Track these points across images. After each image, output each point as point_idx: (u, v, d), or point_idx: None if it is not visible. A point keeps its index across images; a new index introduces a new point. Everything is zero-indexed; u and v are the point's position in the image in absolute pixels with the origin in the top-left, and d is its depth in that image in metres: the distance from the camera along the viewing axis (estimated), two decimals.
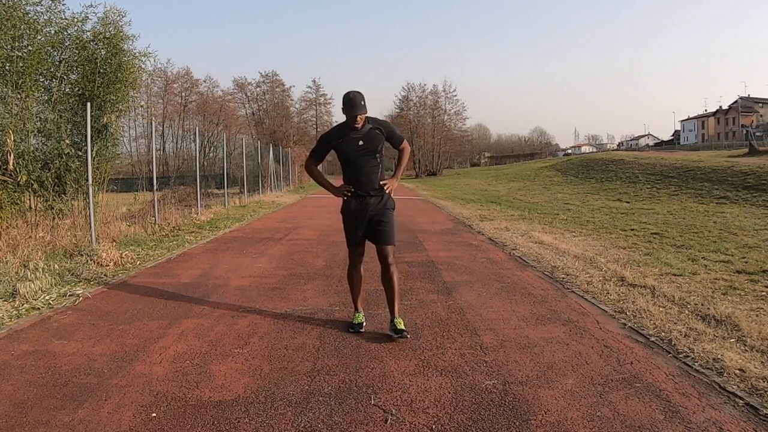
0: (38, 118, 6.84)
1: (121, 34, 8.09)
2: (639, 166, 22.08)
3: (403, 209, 5.03)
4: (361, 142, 3.19)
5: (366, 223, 3.29)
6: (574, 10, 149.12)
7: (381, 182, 3.28)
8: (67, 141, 6.86)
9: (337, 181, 3.41)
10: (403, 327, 3.22)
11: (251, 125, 52.58)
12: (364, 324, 3.40)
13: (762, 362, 2.73)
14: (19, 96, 6.54)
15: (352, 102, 3.10)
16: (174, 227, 8.63)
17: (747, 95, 64.09)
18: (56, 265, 4.99)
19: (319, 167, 3.50)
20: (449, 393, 2.44)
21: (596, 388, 2.47)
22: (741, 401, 2.32)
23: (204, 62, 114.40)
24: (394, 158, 3.62)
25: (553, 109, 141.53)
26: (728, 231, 8.18)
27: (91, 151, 6.60)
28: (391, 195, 3.38)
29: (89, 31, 7.87)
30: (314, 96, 60.65)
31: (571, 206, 14.14)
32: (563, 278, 4.78)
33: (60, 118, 7.14)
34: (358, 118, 3.13)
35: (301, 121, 59.54)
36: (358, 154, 3.21)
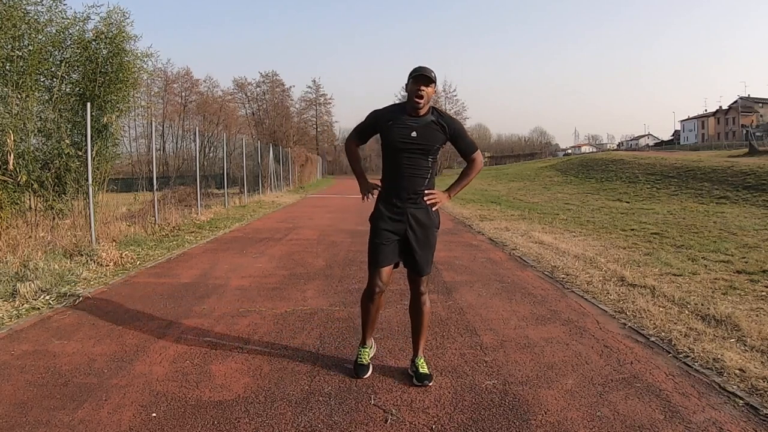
0: (38, 118, 6.84)
1: (124, 33, 8.08)
2: (639, 166, 22.08)
3: None
4: (414, 134, 2.49)
5: (400, 238, 2.59)
6: (574, 10, 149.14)
7: (426, 191, 2.59)
8: (68, 141, 6.85)
9: (374, 180, 2.78)
10: (426, 371, 2.61)
11: (251, 125, 52.62)
12: (371, 367, 2.71)
13: (762, 362, 2.73)
14: (19, 96, 6.53)
15: (421, 69, 2.45)
16: (174, 227, 8.63)
17: (747, 95, 64.16)
18: (56, 265, 4.99)
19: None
20: (449, 393, 2.44)
21: (596, 388, 2.47)
22: (741, 401, 2.32)
23: (204, 62, 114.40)
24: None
25: (553, 109, 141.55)
26: (728, 231, 8.18)
27: (91, 151, 6.59)
28: (438, 210, 2.70)
29: (91, 30, 7.86)
30: (314, 96, 60.79)
31: (571, 206, 14.14)
32: (563, 278, 4.78)
33: (60, 117, 7.14)
34: (423, 90, 2.45)
35: (301, 121, 59.63)
36: (406, 148, 2.51)
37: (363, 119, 2.71)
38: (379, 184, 2.67)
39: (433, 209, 2.65)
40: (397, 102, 2.60)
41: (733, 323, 3.33)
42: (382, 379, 2.61)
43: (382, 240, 2.58)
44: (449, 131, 2.57)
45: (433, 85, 2.48)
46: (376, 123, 2.61)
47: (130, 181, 11.79)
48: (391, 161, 2.57)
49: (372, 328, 2.76)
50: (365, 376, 2.64)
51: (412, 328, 2.73)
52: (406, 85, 2.53)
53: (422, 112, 2.52)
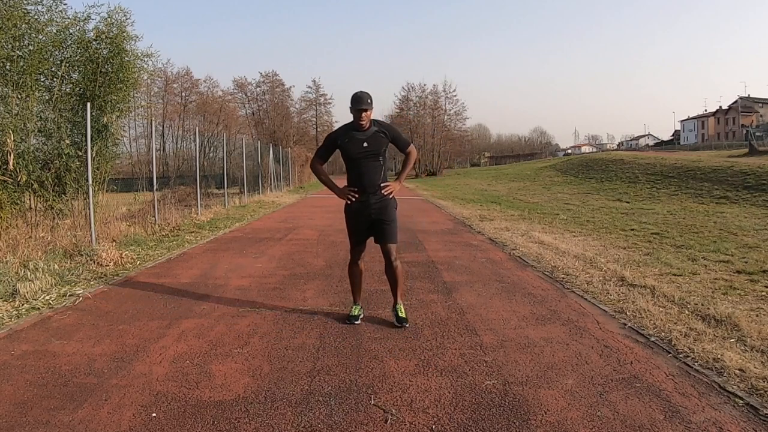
0: (39, 118, 6.83)
1: (125, 33, 8.07)
2: (639, 166, 22.08)
3: (403, 209, 5.09)
4: (365, 144, 3.27)
5: (368, 222, 3.39)
6: (574, 10, 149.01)
7: (382, 183, 3.35)
8: (68, 141, 6.84)
9: (341, 182, 3.51)
10: (404, 315, 3.47)
11: (251, 125, 52.61)
12: (361, 317, 3.55)
13: (762, 362, 2.73)
14: (19, 96, 6.53)
15: (359, 98, 3.22)
16: (174, 227, 8.62)
17: (747, 95, 64.15)
18: (56, 265, 4.99)
19: (323, 167, 3.61)
20: (449, 393, 2.44)
21: (596, 388, 2.47)
22: (741, 401, 2.32)
23: (204, 62, 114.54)
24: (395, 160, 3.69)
25: (553, 109, 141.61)
26: (728, 231, 8.18)
27: (91, 151, 6.59)
28: (394, 195, 3.46)
29: (92, 30, 7.86)
30: (314, 96, 60.71)
31: (571, 206, 14.14)
32: (563, 278, 4.78)
33: (60, 117, 7.13)
34: (364, 115, 3.22)
35: (301, 121, 59.58)
36: (362, 156, 3.29)
37: (322, 143, 3.48)
38: (348, 186, 3.40)
39: (390, 197, 3.40)
40: (350, 122, 3.33)
41: (733, 323, 3.33)
42: (382, 379, 2.61)
43: (356, 224, 3.42)
44: (389, 135, 3.36)
45: (370, 109, 3.26)
46: (334, 143, 3.37)
47: (130, 181, 11.81)
48: (353, 167, 3.35)
49: (359, 289, 3.65)
50: (357, 323, 3.48)
51: (390, 284, 3.56)
52: (350, 108, 3.25)
53: (366, 126, 3.29)
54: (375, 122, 3.35)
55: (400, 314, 3.47)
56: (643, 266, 5.34)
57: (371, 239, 3.52)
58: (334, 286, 4.58)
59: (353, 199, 3.35)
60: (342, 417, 2.22)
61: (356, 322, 3.48)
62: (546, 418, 2.19)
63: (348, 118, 3.35)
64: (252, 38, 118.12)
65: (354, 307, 3.62)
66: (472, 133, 70.11)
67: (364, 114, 3.23)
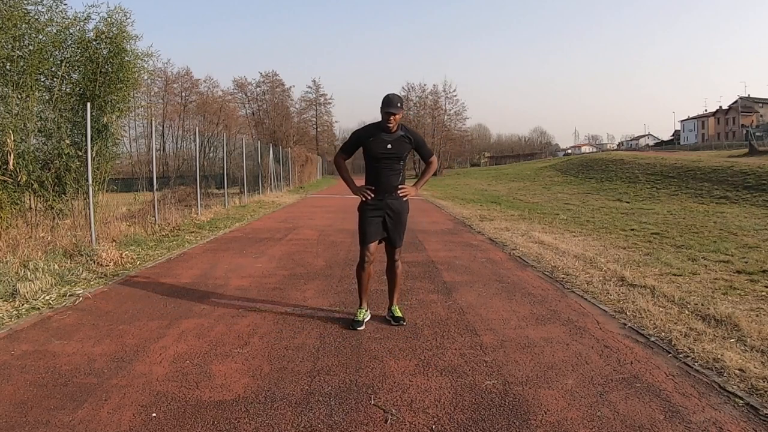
0: (39, 118, 6.83)
1: (125, 33, 8.06)
2: (639, 166, 22.09)
3: None
4: (389, 146, 3.32)
5: (380, 222, 3.41)
6: (574, 10, 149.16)
7: (399, 186, 3.41)
8: (68, 141, 6.83)
9: (359, 181, 3.53)
10: (400, 314, 3.52)
11: (251, 125, 52.57)
12: (367, 320, 3.51)
13: (762, 362, 2.73)
14: (19, 96, 6.53)
15: (389, 101, 3.27)
16: (174, 227, 8.62)
17: (747, 95, 64.15)
18: (56, 265, 4.99)
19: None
20: (449, 393, 2.44)
21: (596, 388, 2.47)
22: (741, 401, 2.32)
23: (204, 62, 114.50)
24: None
25: (553, 109, 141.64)
26: (728, 231, 8.18)
27: (91, 151, 6.59)
28: (408, 200, 3.50)
29: (92, 30, 7.85)
30: (314, 96, 60.65)
31: (571, 206, 14.15)
32: (563, 278, 4.78)
33: (60, 117, 7.12)
34: (392, 118, 3.25)
35: (301, 121, 59.51)
36: (383, 156, 3.34)
37: (348, 139, 3.52)
38: (365, 184, 3.43)
39: (404, 199, 3.46)
40: (377, 121, 3.36)
41: (733, 323, 3.33)
42: (382, 379, 2.61)
43: (368, 223, 3.40)
44: (414, 142, 3.42)
45: (399, 112, 3.28)
46: (359, 141, 3.39)
47: (130, 181, 11.79)
48: (373, 166, 3.39)
49: (366, 292, 3.55)
50: (360, 329, 3.38)
51: (389, 285, 3.61)
52: (381, 108, 3.27)
53: (394, 129, 3.33)
54: (402, 127, 3.39)
55: (396, 314, 3.52)
56: (643, 266, 5.34)
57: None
58: (334, 286, 4.58)
59: (369, 198, 3.38)
60: (342, 417, 2.22)
61: (359, 328, 3.38)
62: (546, 418, 2.19)
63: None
64: (252, 38, 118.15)
65: (359, 311, 3.52)
66: (472, 133, 69.99)
67: (392, 117, 3.26)
